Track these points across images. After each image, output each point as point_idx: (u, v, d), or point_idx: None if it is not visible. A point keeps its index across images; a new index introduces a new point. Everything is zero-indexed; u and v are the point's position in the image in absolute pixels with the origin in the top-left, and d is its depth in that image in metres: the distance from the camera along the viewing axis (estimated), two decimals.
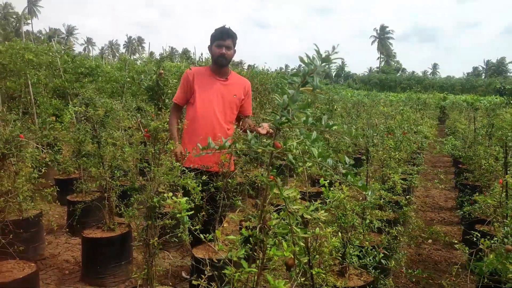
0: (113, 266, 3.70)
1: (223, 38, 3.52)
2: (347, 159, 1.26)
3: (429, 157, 11.47)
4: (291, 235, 1.43)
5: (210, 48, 3.61)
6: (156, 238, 2.63)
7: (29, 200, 3.04)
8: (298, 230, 1.43)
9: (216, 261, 3.18)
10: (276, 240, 1.47)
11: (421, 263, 4.50)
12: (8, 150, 2.61)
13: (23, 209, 3.02)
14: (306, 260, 1.51)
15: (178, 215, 1.48)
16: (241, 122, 3.72)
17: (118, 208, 3.68)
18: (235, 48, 3.64)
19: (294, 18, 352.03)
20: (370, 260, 2.35)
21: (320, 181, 2.20)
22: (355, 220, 2.92)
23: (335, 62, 1.20)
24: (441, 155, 11.41)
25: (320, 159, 1.27)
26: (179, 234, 2.83)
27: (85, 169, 4.55)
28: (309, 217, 1.49)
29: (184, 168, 2.88)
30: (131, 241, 3.94)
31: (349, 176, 1.25)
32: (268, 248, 1.45)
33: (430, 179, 8.76)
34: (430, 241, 5.16)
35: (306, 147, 1.30)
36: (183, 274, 3.88)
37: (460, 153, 5.61)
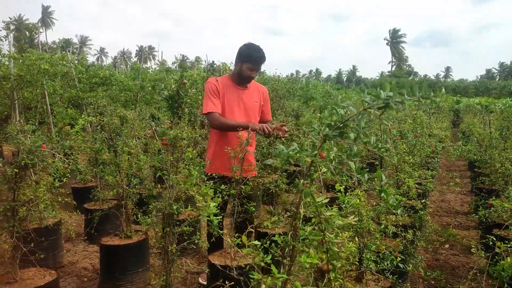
0: (131, 273, 3.75)
1: (259, 64, 3.64)
2: (383, 176, 1.27)
3: (444, 161, 11.39)
4: (323, 241, 1.46)
5: (239, 63, 3.65)
6: (175, 245, 2.67)
7: (50, 208, 3.11)
8: (332, 236, 1.45)
9: (233, 268, 3.22)
10: (305, 247, 1.49)
11: (438, 268, 4.47)
12: (31, 161, 2.67)
13: (43, 217, 3.08)
14: (339, 265, 1.52)
15: (206, 218, 1.51)
16: None
17: (135, 216, 3.73)
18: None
19: (306, 24, 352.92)
20: (387, 264, 2.35)
21: (335, 186, 2.21)
22: (370, 225, 2.93)
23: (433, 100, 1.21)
24: (456, 159, 11.32)
25: (357, 173, 1.30)
26: (197, 241, 2.87)
27: (101, 177, 4.62)
28: (341, 223, 1.51)
29: (205, 176, 2.95)
30: (148, 248, 3.99)
31: (383, 193, 1.26)
32: (298, 255, 1.47)
33: (446, 183, 8.69)
34: (447, 246, 5.11)
35: (343, 159, 1.34)
36: (200, 280, 3.91)
37: (475, 157, 5.57)
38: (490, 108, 20.32)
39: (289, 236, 1.50)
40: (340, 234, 1.78)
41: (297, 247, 1.49)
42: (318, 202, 1.50)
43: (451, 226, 5.96)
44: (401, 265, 2.27)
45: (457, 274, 4.34)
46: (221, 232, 2.05)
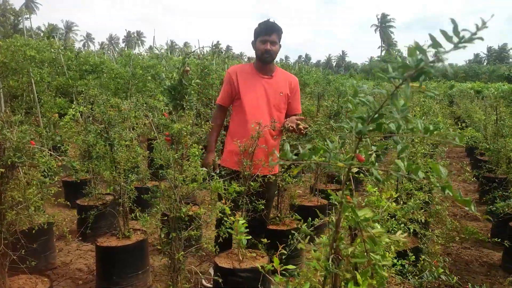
0: (130, 276, 3.48)
1: (268, 33, 3.28)
2: (442, 170, 1.02)
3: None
4: (367, 264, 1.20)
5: (253, 44, 3.38)
6: (182, 252, 2.41)
7: (41, 210, 2.81)
8: (378, 257, 1.20)
9: (241, 270, 2.99)
10: (349, 273, 1.23)
11: (451, 264, 4.28)
12: (18, 159, 2.37)
13: (34, 220, 2.79)
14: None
15: (236, 237, 1.24)
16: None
17: (133, 214, 3.46)
18: (280, 42, 3.40)
19: (296, 9, 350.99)
20: (427, 275, 2.12)
21: (368, 188, 1.96)
22: (393, 225, 2.72)
23: (469, 44, 0.89)
24: (453, 146, 11.16)
25: (408, 172, 1.04)
26: (205, 246, 2.62)
27: (96, 173, 4.32)
28: (388, 241, 1.26)
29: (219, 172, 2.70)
30: (148, 249, 3.73)
31: (447, 190, 1.02)
32: (343, 283, 1.21)
33: (450, 171, 8.50)
34: (457, 238, 4.92)
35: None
36: (204, 282, 3.66)
37: (487, 146, 5.37)
38: (483, 93, 20.23)
39: (330, 261, 1.23)
40: (388, 254, 1.53)
41: (342, 276, 1.22)
42: (361, 216, 1.25)
43: (458, 217, 5.79)
44: (443, 277, 2.05)
45: (471, 270, 4.15)
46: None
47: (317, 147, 1.09)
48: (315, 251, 1.29)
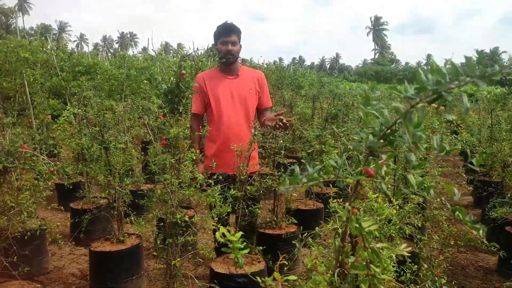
0: (124, 281, 3.43)
1: (228, 34, 3.34)
2: (455, 191, 0.99)
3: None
4: (367, 275, 1.17)
5: (216, 47, 3.42)
6: (178, 259, 2.37)
7: (35, 216, 2.76)
8: (378, 270, 1.17)
9: (237, 276, 2.95)
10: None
11: (447, 269, 4.26)
12: (10, 163, 2.32)
13: (27, 226, 2.74)
14: None
15: (232, 255, 1.19)
16: (262, 118, 3.53)
17: (128, 219, 3.41)
18: (241, 43, 3.45)
19: (290, 10, 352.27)
20: (429, 285, 2.10)
21: (369, 195, 1.94)
22: (391, 230, 2.70)
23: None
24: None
25: (419, 189, 1.01)
26: (201, 251, 2.58)
27: (91, 177, 4.26)
28: (393, 254, 1.23)
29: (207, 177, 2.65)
30: (143, 253, 3.69)
31: (457, 212, 0.99)
32: None
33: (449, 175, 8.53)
34: (452, 242, 4.92)
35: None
36: None
37: (483, 150, 5.37)
38: (476, 96, 20.41)
39: (335, 275, 1.20)
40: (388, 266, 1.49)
41: None
42: (366, 229, 1.21)
43: (453, 221, 5.78)
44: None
45: (468, 274, 4.15)
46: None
47: (327, 166, 1.05)
48: (319, 262, 1.25)
